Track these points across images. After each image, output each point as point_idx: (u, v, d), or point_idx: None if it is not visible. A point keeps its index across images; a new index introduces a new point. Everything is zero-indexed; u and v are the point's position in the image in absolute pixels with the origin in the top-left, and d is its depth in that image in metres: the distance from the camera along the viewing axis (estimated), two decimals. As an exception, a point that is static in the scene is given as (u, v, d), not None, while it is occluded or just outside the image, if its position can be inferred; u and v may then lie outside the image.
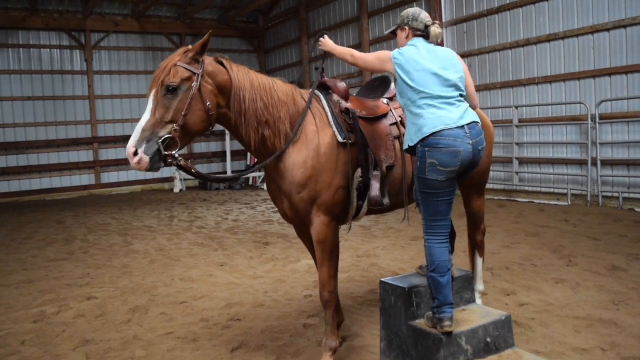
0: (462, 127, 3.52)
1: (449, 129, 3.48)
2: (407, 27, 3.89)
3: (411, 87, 3.62)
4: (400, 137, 4.27)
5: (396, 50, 3.79)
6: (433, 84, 3.62)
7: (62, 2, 17.60)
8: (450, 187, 3.56)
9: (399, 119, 4.32)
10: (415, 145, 3.57)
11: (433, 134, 3.48)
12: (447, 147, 3.46)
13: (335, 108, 4.15)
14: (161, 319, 5.37)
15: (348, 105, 4.20)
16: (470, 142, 3.52)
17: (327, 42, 4.21)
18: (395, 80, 3.79)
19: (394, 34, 4.09)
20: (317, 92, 4.25)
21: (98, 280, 6.90)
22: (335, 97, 4.23)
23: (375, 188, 4.10)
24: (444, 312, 3.51)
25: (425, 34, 3.87)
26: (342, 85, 4.31)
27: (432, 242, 3.60)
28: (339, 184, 4.01)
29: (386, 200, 4.12)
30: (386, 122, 4.30)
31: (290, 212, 4.11)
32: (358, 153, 4.09)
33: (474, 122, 3.60)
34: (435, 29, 3.85)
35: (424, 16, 3.89)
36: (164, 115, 3.57)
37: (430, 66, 3.65)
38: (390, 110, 4.37)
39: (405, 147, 3.70)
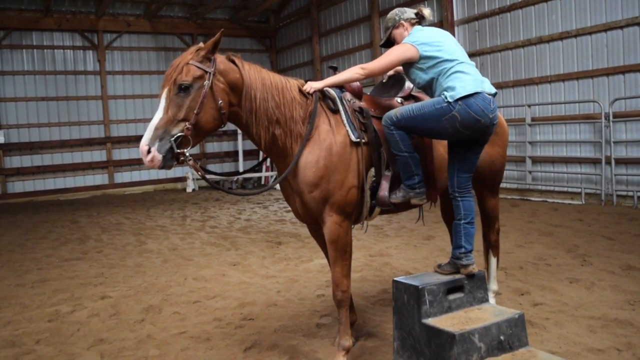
0: (492, 95, 3.91)
1: (484, 93, 3.83)
2: (403, 22, 4.20)
3: (444, 57, 3.90)
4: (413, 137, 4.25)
5: (408, 38, 4.04)
6: (460, 53, 4.00)
7: (75, 3, 17.73)
8: (441, 137, 4.02)
9: None
10: (446, 98, 3.79)
11: (471, 96, 3.78)
12: (475, 113, 3.77)
13: (349, 107, 4.13)
14: (174, 318, 5.39)
15: (362, 104, 4.19)
16: (490, 116, 3.84)
17: (314, 83, 4.11)
18: (408, 75, 4.12)
19: (388, 43, 4.34)
20: (330, 90, 4.22)
21: (112, 280, 6.94)
22: (349, 96, 4.20)
23: (384, 188, 4.09)
24: (471, 257, 3.99)
25: (419, 20, 4.22)
26: (355, 83, 4.28)
27: (469, 198, 4.06)
28: (351, 183, 3.99)
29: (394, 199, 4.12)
30: None
31: (303, 211, 4.10)
32: (371, 152, 4.08)
33: (496, 92, 3.98)
34: (426, 10, 4.23)
35: (407, 8, 4.28)
36: (176, 113, 3.58)
37: (448, 40, 4.03)
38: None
39: (448, 100, 3.79)
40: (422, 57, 3.94)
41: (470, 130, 3.83)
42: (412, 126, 3.92)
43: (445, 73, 3.90)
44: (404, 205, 4.30)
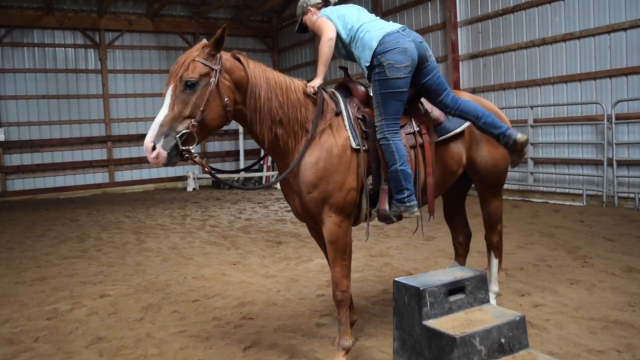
0: (397, 31, 4.09)
1: (388, 34, 4.05)
2: (311, 8, 4.45)
3: (349, 26, 4.19)
4: (416, 147, 4.24)
5: (321, 12, 4.33)
6: (364, 15, 4.30)
7: (77, 1, 17.70)
8: (408, 86, 4.06)
9: (417, 129, 4.28)
10: (371, 62, 4.05)
11: (380, 43, 4.01)
12: (395, 47, 3.98)
13: (353, 113, 4.11)
14: (174, 317, 5.37)
15: (366, 111, 4.17)
16: (410, 38, 4.07)
17: (312, 82, 4.17)
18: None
19: (302, 28, 4.60)
20: (336, 93, 4.22)
21: (111, 278, 6.92)
22: (355, 101, 4.19)
23: (383, 201, 4.08)
24: (414, 200, 4.05)
25: (325, 4, 4.49)
26: (362, 88, 4.26)
27: (396, 140, 3.99)
28: (351, 185, 3.98)
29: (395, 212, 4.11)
30: (402, 131, 4.24)
31: (302, 210, 4.11)
32: (371, 161, 4.07)
33: (403, 26, 4.18)
34: None
35: None
36: (182, 110, 3.57)
37: (350, 9, 4.34)
38: (411, 119, 4.31)
39: (366, 65, 4.11)
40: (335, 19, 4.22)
41: (409, 61, 3.99)
42: (396, 102, 4.03)
43: (354, 41, 4.19)
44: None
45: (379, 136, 4.01)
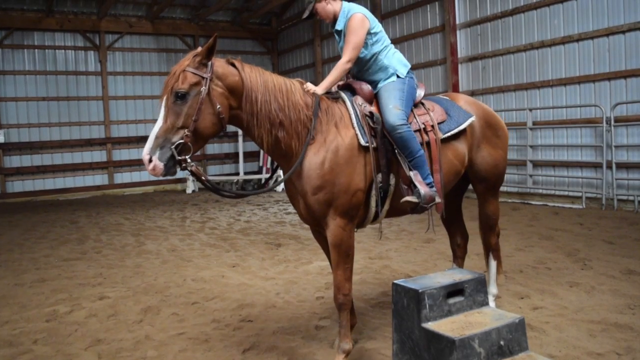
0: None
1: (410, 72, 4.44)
2: None
3: (384, 34, 4.38)
4: (422, 144, 4.24)
5: (358, 9, 4.32)
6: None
7: (77, 4, 17.74)
8: None
9: (422, 126, 4.28)
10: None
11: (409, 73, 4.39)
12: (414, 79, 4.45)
13: (360, 111, 4.11)
14: (173, 319, 5.37)
15: (372, 108, 4.16)
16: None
17: (314, 87, 4.15)
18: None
19: (311, 15, 4.54)
20: (341, 93, 4.22)
21: (110, 280, 6.92)
22: (360, 100, 4.19)
23: (424, 186, 4.05)
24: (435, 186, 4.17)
25: None
26: (367, 87, 4.27)
27: (412, 130, 4.11)
28: (357, 186, 3.96)
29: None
30: None
31: (306, 212, 4.08)
32: (379, 158, 4.05)
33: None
34: None
35: None
36: (175, 121, 3.59)
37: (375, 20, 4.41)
38: (414, 117, 4.32)
39: (403, 74, 4.35)
40: (370, 31, 4.25)
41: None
42: (408, 108, 4.24)
43: (385, 50, 4.34)
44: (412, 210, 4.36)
45: (399, 122, 4.02)
